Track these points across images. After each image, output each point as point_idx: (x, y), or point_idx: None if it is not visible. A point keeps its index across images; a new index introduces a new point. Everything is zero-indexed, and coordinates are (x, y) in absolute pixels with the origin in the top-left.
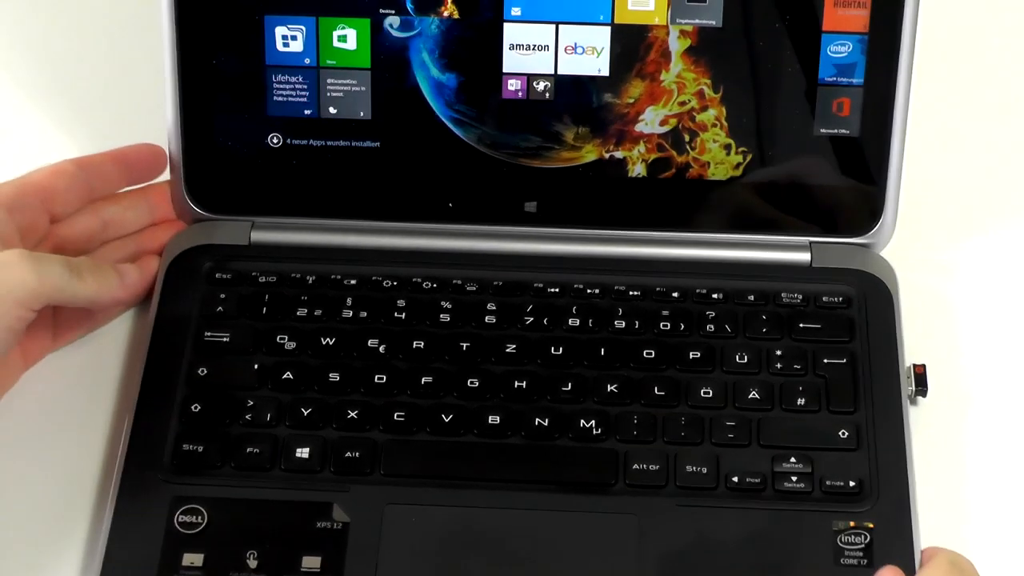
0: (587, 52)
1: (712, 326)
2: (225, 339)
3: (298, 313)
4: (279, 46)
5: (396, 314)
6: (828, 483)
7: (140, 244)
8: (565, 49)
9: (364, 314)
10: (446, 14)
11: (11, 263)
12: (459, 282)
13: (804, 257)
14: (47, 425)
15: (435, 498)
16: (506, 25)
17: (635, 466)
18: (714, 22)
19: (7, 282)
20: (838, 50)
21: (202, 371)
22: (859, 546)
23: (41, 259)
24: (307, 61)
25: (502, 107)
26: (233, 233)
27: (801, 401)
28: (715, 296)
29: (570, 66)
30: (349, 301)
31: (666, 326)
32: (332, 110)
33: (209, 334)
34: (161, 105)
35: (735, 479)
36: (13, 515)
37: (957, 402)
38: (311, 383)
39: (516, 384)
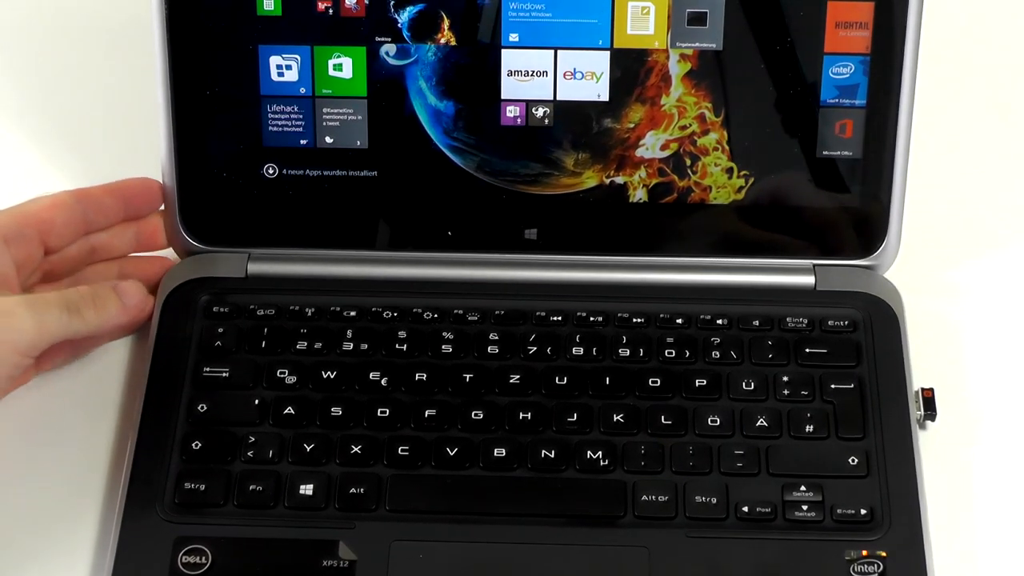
0: (586, 77)
1: (717, 352)
2: (224, 374)
3: (298, 346)
4: (274, 76)
5: (397, 346)
6: (839, 511)
7: (124, 271)
8: (564, 75)
9: (365, 346)
10: (443, 41)
11: (10, 312)
12: (460, 312)
13: (808, 280)
14: (44, 464)
15: (442, 533)
16: (504, 51)
17: (644, 497)
18: (714, 45)
19: (6, 332)
20: (840, 71)
21: (202, 407)
22: (872, 575)
23: (39, 305)
24: (302, 91)
25: (501, 134)
26: (229, 265)
27: (809, 428)
28: (720, 322)
29: (569, 92)
30: (349, 333)
31: (671, 353)
32: (328, 139)
33: (208, 369)
34: (155, 137)
35: (745, 509)
36: (13, 557)
37: (966, 425)
38: (313, 418)
39: (521, 415)
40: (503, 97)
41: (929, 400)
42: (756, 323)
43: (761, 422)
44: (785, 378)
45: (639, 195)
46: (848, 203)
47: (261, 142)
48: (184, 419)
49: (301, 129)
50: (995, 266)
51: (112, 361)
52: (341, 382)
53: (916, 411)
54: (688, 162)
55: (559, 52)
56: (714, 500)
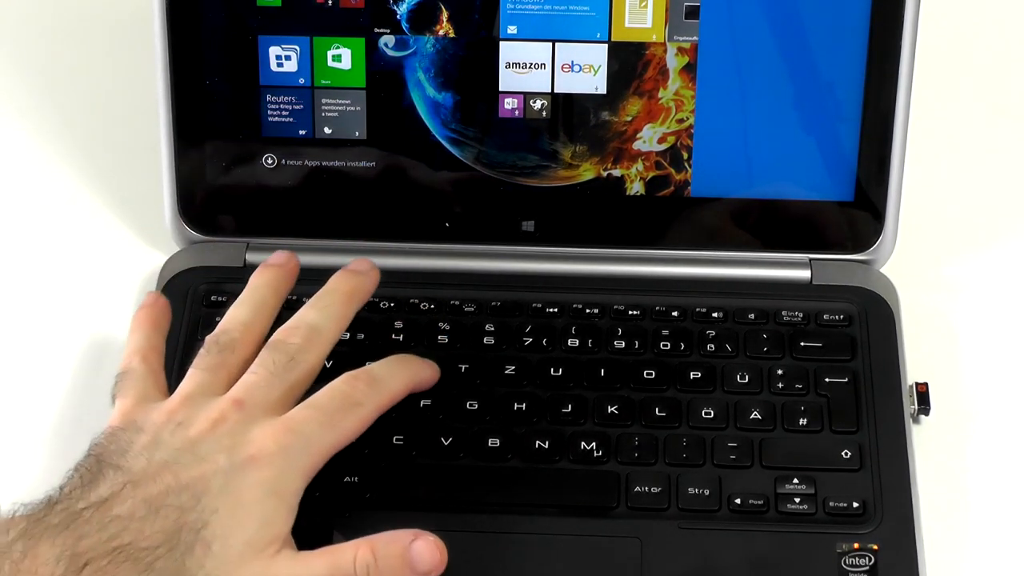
0: (584, 70)
1: (712, 345)
2: None
3: None
4: (273, 66)
5: (393, 336)
6: (831, 504)
7: None
8: (562, 67)
9: (361, 336)
10: (441, 33)
11: None
12: (457, 303)
13: (804, 274)
14: (39, 457)
15: (435, 522)
16: (502, 43)
17: (636, 488)
18: (712, 39)
19: None
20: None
21: None
22: (863, 568)
23: None
24: (301, 81)
25: (499, 126)
26: (228, 254)
27: (803, 421)
28: (715, 315)
29: (567, 84)
30: None
31: (666, 346)
32: (327, 130)
33: None
34: (155, 126)
35: (737, 501)
36: None
37: (960, 421)
38: None
39: (515, 406)
40: (501, 89)
41: (923, 395)
42: (751, 316)
43: (755, 415)
44: (779, 371)
45: (636, 188)
46: (845, 197)
47: (260, 132)
48: None
49: (300, 120)
50: (991, 262)
51: (110, 348)
52: (336, 372)
53: (910, 405)
54: (685, 155)
55: (557, 45)
56: (707, 492)
